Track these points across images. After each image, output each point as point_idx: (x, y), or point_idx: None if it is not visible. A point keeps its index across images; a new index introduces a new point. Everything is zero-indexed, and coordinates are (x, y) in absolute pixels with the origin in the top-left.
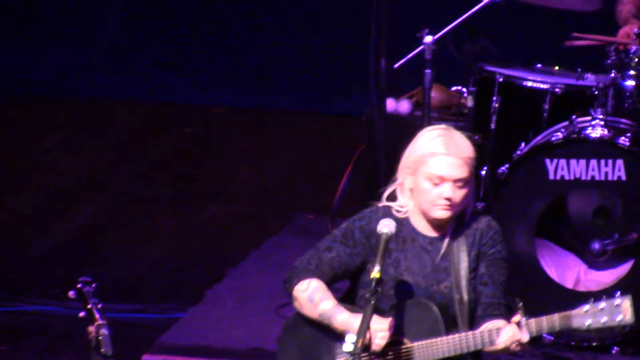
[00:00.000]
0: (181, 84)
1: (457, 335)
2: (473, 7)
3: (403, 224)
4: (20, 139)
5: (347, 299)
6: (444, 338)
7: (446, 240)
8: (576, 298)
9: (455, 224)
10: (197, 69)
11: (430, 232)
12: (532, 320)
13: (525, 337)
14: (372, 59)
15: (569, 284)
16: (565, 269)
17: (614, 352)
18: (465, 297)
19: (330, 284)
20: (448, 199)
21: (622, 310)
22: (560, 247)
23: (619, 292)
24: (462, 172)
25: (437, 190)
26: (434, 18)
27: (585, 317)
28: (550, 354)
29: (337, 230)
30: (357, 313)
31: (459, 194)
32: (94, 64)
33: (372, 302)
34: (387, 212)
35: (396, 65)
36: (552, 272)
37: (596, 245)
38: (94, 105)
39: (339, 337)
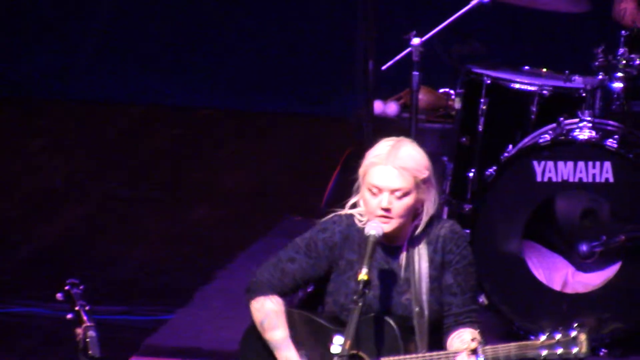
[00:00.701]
0: (169, 85)
1: (414, 356)
2: (461, 9)
3: (363, 232)
4: (8, 140)
5: (310, 302)
6: (402, 357)
7: (405, 249)
8: (564, 300)
9: (414, 233)
10: (186, 71)
11: (389, 242)
12: (489, 348)
13: None
14: (360, 61)
15: (556, 286)
16: (553, 271)
17: (602, 354)
18: (426, 310)
19: (293, 293)
20: (385, 209)
21: (577, 343)
22: (548, 249)
23: (575, 324)
24: (400, 182)
25: (376, 200)
26: (422, 20)
27: (542, 348)
28: None
29: (300, 240)
30: (300, 351)
31: (398, 205)
32: (82, 66)
33: (360, 304)
34: (351, 222)
35: (384, 67)
36: (539, 274)
37: (584, 247)
38: (82, 107)
39: (302, 342)
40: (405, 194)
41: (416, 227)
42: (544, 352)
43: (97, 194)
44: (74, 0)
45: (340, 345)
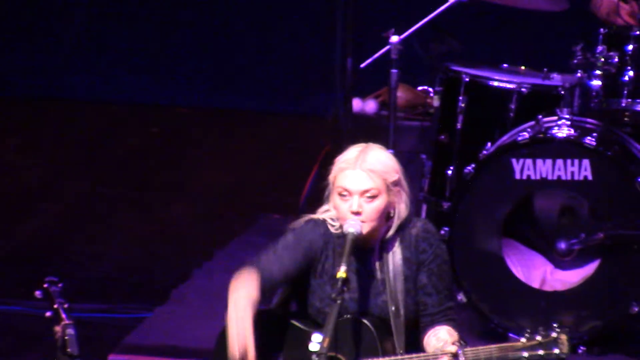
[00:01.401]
0: (146, 84)
1: (392, 357)
2: (439, 6)
3: (339, 239)
4: None
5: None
6: (380, 359)
7: (379, 251)
8: (543, 298)
9: (386, 235)
10: (162, 69)
11: (363, 245)
12: (469, 350)
13: None
14: (338, 59)
15: (535, 284)
16: (532, 269)
17: (580, 351)
18: (402, 309)
19: (272, 291)
20: (356, 213)
21: (559, 343)
22: (527, 247)
23: (556, 325)
24: (368, 184)
25: (346, 204)
26: (401, 18)
27: (523, 349)
28: None
29: (283, 239)
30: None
31: (369, 208)
32: (58, 64)
33: (339, 301)
34: (325, 226)
35: (362, 65)
36: (518, 271)
37: (562, 245)
38: (58, 106)
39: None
40: (375, 196)
41: (389, 229)
42: (526, 354)
43: (73, 193)
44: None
45: (319, 343)
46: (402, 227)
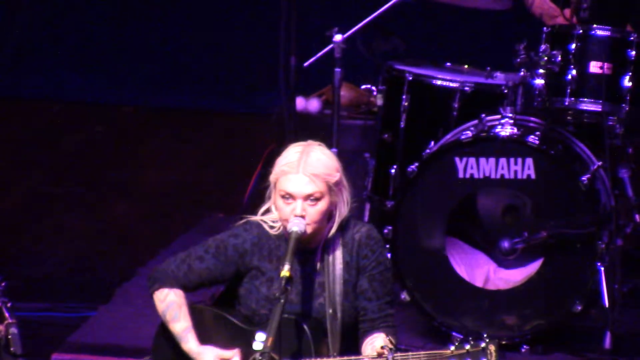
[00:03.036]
0: (91, 82)
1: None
2: (383, 5)
3: (277, 240)
4: None
5: (225, 300)
6: None
7: (320, 253)
8: (486, 296)
9: (328, 236)
10: (106, 67)
11: (304, 246)
12: (398, 355)
13: None
14: (282, 57)
15: (478, 283)
16: (475, 268)
17: (523, 350)
18: (339, 313)
19: (196, 290)
20: (300, 216)
21: (487, 353)
22: (470, 246)
23: (485, 335)
24: (311, 188)
25: (289, 207)
26: (344, 16)
27: (451, 357)
28: None
29: (212, 240)
30: (205, 345)
31: (313, 210)
32: (2, 63)
33: (282, 300)
34: (261, 230)
35: (306, 64)
36: (461, 270)
37: (505, 244)
38: (2, 104)
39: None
40: (319, 199)
41: (330, 229)
42: None
43: (17, 191)
44: None
45: (262, 342)
46: (343, 228)
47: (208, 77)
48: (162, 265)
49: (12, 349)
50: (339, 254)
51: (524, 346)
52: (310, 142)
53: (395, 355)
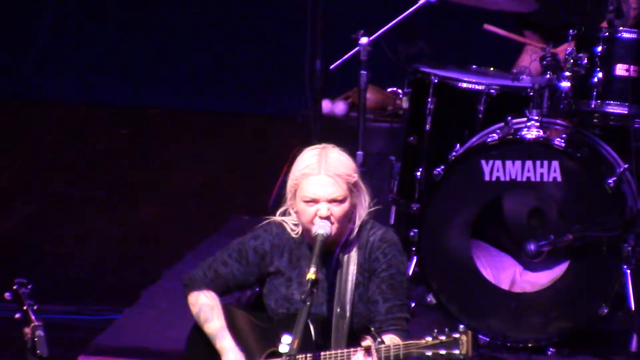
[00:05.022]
0: (116, 85)
1: (321, 353)
2: (408, 8)
3: (297, 241)
4: None
5: (256, 303)
6: (310, 355)
7: (336, 256)
8: (512, 299)
9: (348, 237)
10: (132, 70)
11: (327, 248)
12: (382, 347)
13: None
14: (308, 60)
15: (504, 285)
16: (501, 270)
17: (549, 353)
18: (347, 312)
19: (226, 294)
20: (326, 218)
21: (459, 344)
22: (496, 249)
23: (462, 326)
24: (335, 190)
25: (312, 209)
26: (370, 19)
27: (426, 349)
28: (486, 355)
29: (235, 244)
30: (241, 339)
31: (337, 211)
32: (28, 66)
33: (308, 303)
34: (281, 231)
35: (332, 67)
36: (487, 273)
37: (531, 247)
38: (29, 107)
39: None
40: (342, 200)
41: (351, 232)
42: (429, 352)
43: (44, 194)
44: (19, 1)
45: (289, 344)
46: (362, 231)
47: (234, 80)
48: (193, 271)
49: (38, 351)
50: (354, 255)
51: (550, 349)
52: (324, 144)
53: (379, 347)
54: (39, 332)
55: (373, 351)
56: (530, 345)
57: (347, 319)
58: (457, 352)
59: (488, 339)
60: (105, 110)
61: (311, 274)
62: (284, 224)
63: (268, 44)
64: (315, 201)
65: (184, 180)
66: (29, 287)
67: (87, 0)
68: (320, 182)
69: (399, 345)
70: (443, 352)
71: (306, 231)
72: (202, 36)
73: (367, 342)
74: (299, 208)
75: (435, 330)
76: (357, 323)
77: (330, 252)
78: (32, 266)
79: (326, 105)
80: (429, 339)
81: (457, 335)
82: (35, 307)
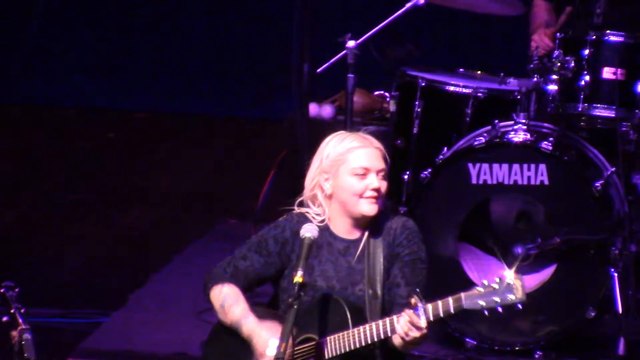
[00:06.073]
0: (103, 88)
1: (361, 327)
2: (396, 11)
3: (320, 230)
4: None
5: (273, 304)
6: (349, 331)
7: (363, 242)
8: None
9: (372, 225)
10: (119, 74)
11: (348, 235)
12: (429, 305)
13: (422, 322)
14: (295, 64)
15: None
16: (488, 273)
17: (537, 356)
18: (379, 292)
19: (247, 290)
20: (376, 190)
21: (513, 289)
22: (483, 252)
23: (512, 272)
24: (383, 162)
25: (363, 182)
26: (357, 22)
27: (478, 297)
28: (473, 358)
29: (255, 237)
30: (265, 320)
31: (384, 185)
32: (14, 69)
33: (295, 306)
34: (303, 219)
35: (319, 70)
36: (474, 276)
37: (519, 250)
38: (15, 111)
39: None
40: (386, 175)
41: (377, 218)
42: (481, 302)
43: (30, 197)
44: (6, 5)
45: (277, 347)
46: (385, 219)
47: (221, 83)
48: (212, 270)
49: (25, 354)
50: (379, 242)
51: (538, 352)
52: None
53: (426, 304)
54: (26, 336)
55: (420, 309)
56: (517, 348)
57: (379, 298)
58: (512, 297)
59: (475, 343)
60: (92, 114)
61: (298, 277)
62: (306, 214)
63: (255, 47)
64: (366, 173)
65: (171, 184)
66: (16, 290)
67: (74, 4)
68: (372, 154)
69: (448, 299)
70: (497, 299)
71: (352, 206)
72: (190, 40)
73: (413, 301)
74: (345, 185)
75: (486, 280)
76: (387, 306)
77: (356, 239)
78: (20, 269)
79: (313, 108)
80: (480, 289)
81: (509, 282)
82: (22, 310)
